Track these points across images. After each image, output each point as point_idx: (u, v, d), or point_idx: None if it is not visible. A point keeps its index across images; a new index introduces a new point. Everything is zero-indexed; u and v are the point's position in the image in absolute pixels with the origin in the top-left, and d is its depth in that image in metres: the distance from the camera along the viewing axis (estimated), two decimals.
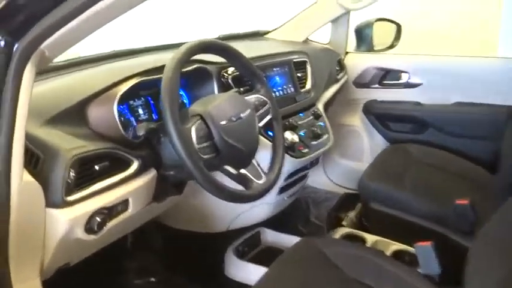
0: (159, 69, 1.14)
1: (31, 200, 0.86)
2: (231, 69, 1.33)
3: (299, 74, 1.60)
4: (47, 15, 0.70)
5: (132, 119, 1.16)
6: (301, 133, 1.46)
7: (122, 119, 1.11)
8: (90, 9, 0.70)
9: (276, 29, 2.13)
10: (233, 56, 1.14)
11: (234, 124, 1.03)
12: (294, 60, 1.59)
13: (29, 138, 0.89)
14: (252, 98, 1.16)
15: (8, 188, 0.81)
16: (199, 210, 1.51)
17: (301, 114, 1.53)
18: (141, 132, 1.00)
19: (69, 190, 0.90)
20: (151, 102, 1.22)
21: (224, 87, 1.31)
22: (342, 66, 2.03)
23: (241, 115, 1.06)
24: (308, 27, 2.05)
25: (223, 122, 1.01)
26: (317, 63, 1.73)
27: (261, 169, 1.11)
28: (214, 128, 0.99)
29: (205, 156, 0.96)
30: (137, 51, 1.47)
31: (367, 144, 2.14)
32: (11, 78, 0.76)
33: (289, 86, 1.54)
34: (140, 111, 1.19)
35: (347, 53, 2.14)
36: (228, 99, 1.08)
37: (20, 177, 0.82)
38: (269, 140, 1.25)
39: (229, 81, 1.32)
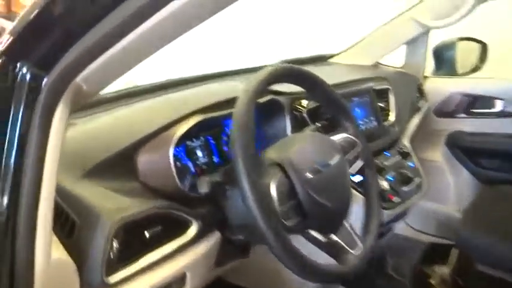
0: (223, 104, 0.93)
1: (61, 282, 0.65)
2: (305, 101, 1.10)
3: (381, 104, 1.34)
4: (82, 38, 0.49)
5: (190, 164, 0.94)
6: (389, 177, 1.20)
7: (178, 163, 0.90)
8: (137, 30, 0.49)
9: (341, 52, 1.89)
10: (316, 86, 0.90)
11: (322, 175, 0.78)
12: (375, 88, 1.34)
13: (62, 196, 0.69)
14: (338, 138, 0.91)
15: (31, 265, 0.60)
16: (268, 266, 1.25)
17: (386, 153, 1.26)
18: (203, 189, 0.77)
19: (111, 267, 0.68)
20: (212, 142, 1.01)
21: (298, 123, 1.07)
22: (421, 92, 1.75)
23: (329, 162, 0.81)
24: (380, 49, 1.79)
25: (309, 174, 0.76)
26: (398, 91, 1.46)
27: (354, 232, 0.85)
28: (298, 182, 0.74)
29: (289, 223, 0.72)
30: (194, 80, 1.26)
31: (452, 183, 1.81)
32: (38, 120, 0.56)
33: (371, 118, 1.28)
34: (199, 153, 0.97)
35: (425, 77, 1.86)
36: (311, 141, 0.84)
37: (47, 252, 0.61)
38: (359, 191, 0.99)
39: (304, 115, 1.08)
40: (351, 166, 0.90)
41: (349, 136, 0.92)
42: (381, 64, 1.85)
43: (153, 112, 0.94)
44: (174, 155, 0.86)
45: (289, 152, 0.78)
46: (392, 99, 1.39)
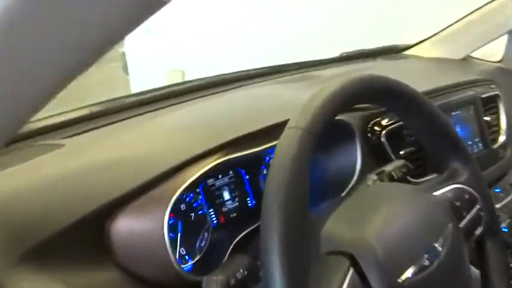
0: (266, 132, 0.62)
1: None
2: (384, 120, 0.75)
3: (487, 118, 0.96)
4: None
5: (212, 212, 0.64)
6: (503, 227, 0.82)
7: (191, 215, 0.60)
8: None
9: (420, 43, 1.50)
10: (415, 108, 0.55)
11: (428, 274, 0.44)
12: (482, 96, 0.95)
13: None
14: (445, 192, 0.56)
15: None
16: None
17: (496, 190, 0.89)
18: None
19: None
20: (246, 177, 0.69)
21: (373, 152, 0.73)
22: None
23: (437, 246, 0.46)
24: (472, 39, 1.40)
25: (408, 275, 0.42)
26: (508, 96, 1.07)
27: None
28: None
29: None
30: (229, 81, 0.95)
31: None
32: None
33: (476, 140, 0.90)
34: (226, 195, 0.67)
35: None
36: (407, 207, 0.49)
37: None
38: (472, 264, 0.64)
39: (383, 139, 0.74)
40: (468, 239, 0.54)
41: (464, 187, 0.57)
42: (473, 58, 1.45)
43: (152, 143, 0.63)
44: (187, 202, 0.57)
45: (369, 231, 0.44)
46: (502, 110, 1.00)
